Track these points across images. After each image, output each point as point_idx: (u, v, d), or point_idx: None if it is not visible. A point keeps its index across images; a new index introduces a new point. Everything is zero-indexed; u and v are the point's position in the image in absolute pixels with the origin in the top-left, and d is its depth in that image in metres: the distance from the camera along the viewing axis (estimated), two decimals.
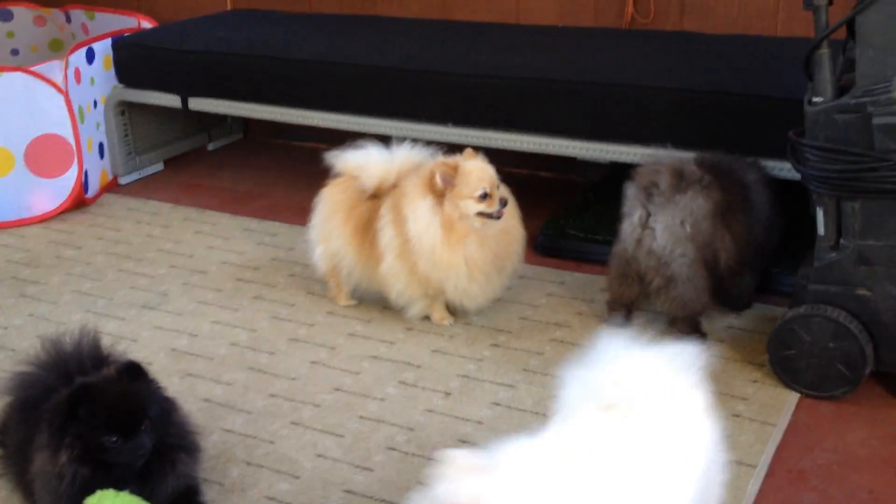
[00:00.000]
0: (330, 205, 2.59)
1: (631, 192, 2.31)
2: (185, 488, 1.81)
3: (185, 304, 2.70)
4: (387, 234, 2.46)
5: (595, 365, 1.47)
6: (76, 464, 1.68)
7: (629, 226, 2.30)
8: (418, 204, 2.38)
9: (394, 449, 2.02)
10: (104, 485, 1.68)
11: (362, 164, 2.53)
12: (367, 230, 2.51)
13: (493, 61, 3.05)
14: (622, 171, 2.41)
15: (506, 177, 2.46)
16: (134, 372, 1.77)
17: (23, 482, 1.83)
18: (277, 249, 3.06)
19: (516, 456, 1.37)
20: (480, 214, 2.37)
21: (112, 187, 3.61)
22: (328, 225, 2.59)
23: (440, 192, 2.36)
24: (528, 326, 2.52)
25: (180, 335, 2.52)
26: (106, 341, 1.97)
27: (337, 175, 2.58)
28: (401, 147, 2.54)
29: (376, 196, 2.49)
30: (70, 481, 1.69)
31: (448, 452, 1.34)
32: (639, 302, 2.41)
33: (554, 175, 3.60)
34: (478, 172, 2.39)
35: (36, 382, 1.89)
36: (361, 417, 2.14)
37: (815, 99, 2.03)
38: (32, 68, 3.23)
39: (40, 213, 3.30)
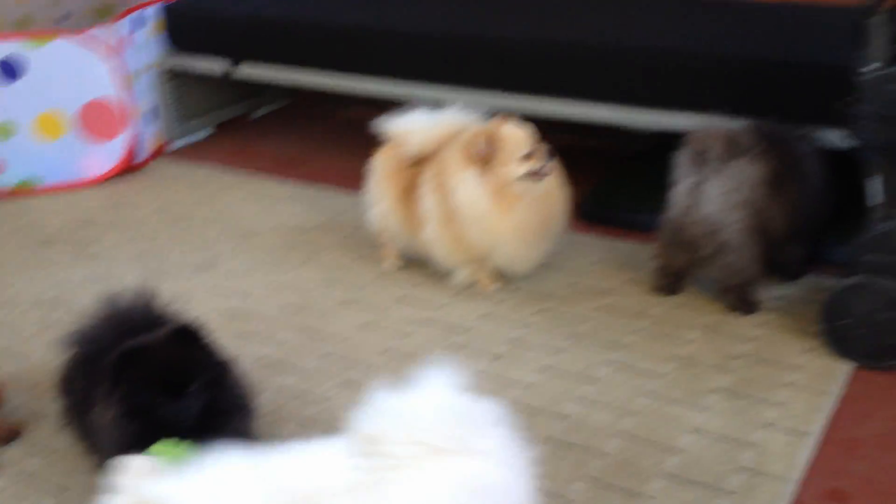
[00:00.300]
0: (379, 169, 2.63)
1: (683, 159, 2.30)
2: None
3: (236, 266, 2.74)
4: (428, 202, 2.47)
5: (415, 400, 1.41)
6: (126, 419, 1.74)
7: (681, 193, 2.29)
8: (463, 175, 2.39)
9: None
10: (156, 439, 1.72)
11: (407, 129, 2.55)
12: (409, 195, 2.54)
13: (540, 27, 3.04)
14: (669, 140, 2.39)
15: (550, 145, 2.45)
16: (185, 334, 1.81)
17: (84, 432, 1.89)
18: (324, 214, 3.09)
19: (211, 468, 1.36)
20: (528, 175, 2.37)
21: (163, 152, 3.66)
22: (378, 188, 2.63)
23: (483, 161, 2.37)
24: (576, 293, 2.53)
25: (233, 296, 2.57)
26: (162, 300, 2.01)
27: (387, 140, 2.61)
28: (446, 111, 2.55)
29: (419, 162, 2.51)
30: (121, 434, 1.74)
31: (126, 459, 1.35)
32: (688, 270, 2.41)
33: (599, 143, 3.58)
34: (517, 134, 2.39)
35: (95, 338, 1.94)
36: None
37: (869, 66, 2.00)
38: (83, 34, 3.27)
39: (93, 176, 3.36)
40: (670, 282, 2.45)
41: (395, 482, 1.35)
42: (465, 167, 2.39)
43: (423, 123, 2.55)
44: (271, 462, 1.39)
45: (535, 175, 2.38)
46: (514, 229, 2.41)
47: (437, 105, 2.60)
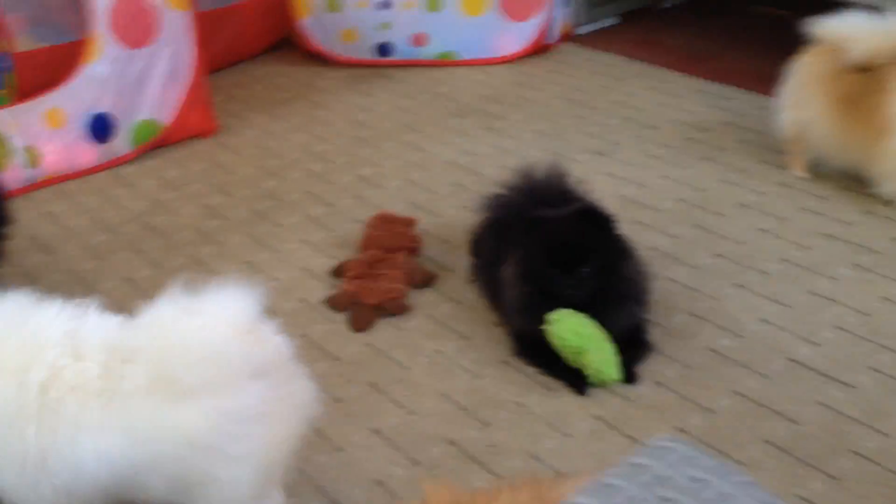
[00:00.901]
0: (806, 74, 2.47)
1: None
2: (632, 325, 1.91)
3: (634, 156, 2.76)
4: None
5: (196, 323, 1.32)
6: (521, 283, 1.86)
7: None
8: None
9: (843, 329, 1.94)
10: (550, 307, 1.83)
11: (849, 33, 2.35)
12: (853, 104, 2.35)
13: None
14: None
15: None
16: (590, 216, 1.87)
17: (489, 289, 2.05)
18: (729, 113, 2.98)
19: None
20: None
21: (570, 36, 3.72)
22: (802, 94, 2.48)
23: None
24: None
25: (629, 184, 2.60)
26: (572, 180, 2.09)
27: (815, 43, 2.44)
28: (891, 17, 2.32)
29: (866, 69, 2.31)
30: (517, 296, 1.88)
31: None
32: None
33: None
34: None
35: (508, 205, 2.08)
36: (810, 292, 2.07)
37: None
38: None
39: (505, 55, 3.51)
40: None
41: (110, 408, 1.31)
42: None
43: (869, 28, 2.33)
44: (35, 320, 1.38)
45: None
46: None
47: (873, 10, 2.37)
